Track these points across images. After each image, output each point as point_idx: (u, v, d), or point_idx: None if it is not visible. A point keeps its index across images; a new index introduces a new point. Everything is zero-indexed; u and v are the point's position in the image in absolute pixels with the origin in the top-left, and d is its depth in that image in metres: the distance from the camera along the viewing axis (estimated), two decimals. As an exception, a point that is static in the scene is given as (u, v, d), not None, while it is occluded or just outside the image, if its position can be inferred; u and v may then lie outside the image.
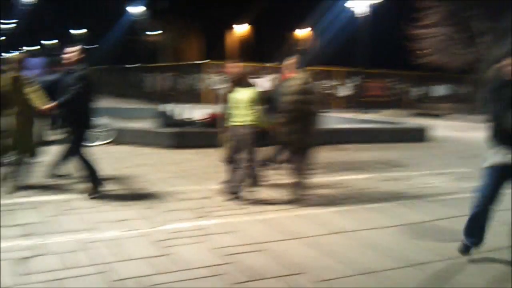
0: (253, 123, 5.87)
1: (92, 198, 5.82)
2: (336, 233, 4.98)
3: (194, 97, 22.57)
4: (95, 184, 5.95)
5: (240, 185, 6.02)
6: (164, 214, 5.36)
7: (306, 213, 5.60)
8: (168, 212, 5.44)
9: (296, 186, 6.06)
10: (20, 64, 6.32)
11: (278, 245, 4.56)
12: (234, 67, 6.60)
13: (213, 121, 9.60)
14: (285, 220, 5.31)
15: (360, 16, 24.55)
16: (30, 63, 6.60)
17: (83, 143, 5.92)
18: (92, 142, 7.52)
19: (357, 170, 8.41)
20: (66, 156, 6.41)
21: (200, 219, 5.23)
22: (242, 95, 5.94)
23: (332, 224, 5.25)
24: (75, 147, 5.89)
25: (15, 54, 6.57)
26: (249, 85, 6.08)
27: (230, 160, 6.26)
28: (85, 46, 6.08)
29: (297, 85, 5.95)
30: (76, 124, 5.85)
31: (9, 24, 41.33)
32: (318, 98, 6.29)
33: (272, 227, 5.06)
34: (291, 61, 7.65)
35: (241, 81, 6.08)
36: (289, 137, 5.96)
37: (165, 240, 4.56)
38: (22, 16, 38.72)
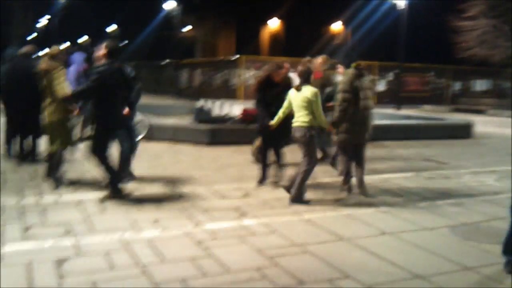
0: (311, 123, 5.59)
1: (102, 201, 5.53)
2: (385, 234, 4.74)
3: (228, 92, 22.49)
4: (112, 189, 5.63)
5: (298, 186, 5.70)
6: (206, 213, 5.22)
7: (352, 213, 5.37)
8: (206, 211, 5.30)
9: (344, 184, 5.91)
10: (53, 57, 6.29)
11: (325, 246, 4.35)
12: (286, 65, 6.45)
13: (247, 118, 9.43)
14: (331, 221, 5.09)
15: (400, 8, 23.87)
16: (71, 58, 6.59)
17: (105, 142, 5.62)
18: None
19: (402, 168, 8.10)
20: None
21: (243, 218, 5.07)
22: (300, 94, 5.62)
23: (380, 224, 5.01)
24: (94, 145, 5.61)
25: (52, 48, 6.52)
26: (307, 83, 5.72)
27: (262, 158, 6.17)
28: (113, 42, 5.85)
29: (348, 82, 5.76)
30: (97, 121, 5.60)
31: (42, 21, 42.11)
32: (371, 93, 6.05)
33: (317, 228, 4.85)
34: (320, 59, 7.42)
35: (305, 80, 5.73)
36: (344, 135, 5.77)
37: (205, 240, 4.41)
38: (55, 13, 39.37)
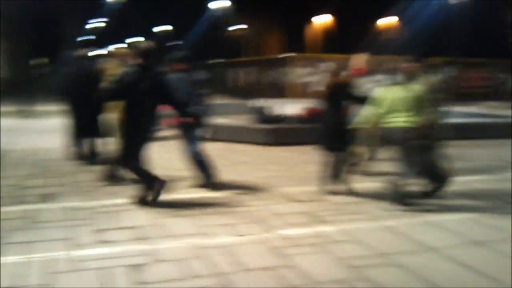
0: (417, 124, 5.24)
1: (135, 204, 5.34)
2: (476, 243, 4.34)
3: (279, 91, 22.21)
4: (146, 192, 5.37)
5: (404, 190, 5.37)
6: (275, 218, 4.97)
7: (435, 220, 4.97)
8: (279, 216, 5.04)
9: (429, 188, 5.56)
10: (116, 56, 6.24)
11: (411, 258, 4.00)
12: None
13: (311, 117, 9.11)
14: (413, 228, 4.72)
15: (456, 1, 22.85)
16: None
17: (132, 149, 5.31)
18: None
19: (480, 169, 7.57)
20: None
21: (317, 225, 4.78)
22: (405, 92, 5.28)
23: (468, 232, 4.61)
24: (121, 152, 5.38)
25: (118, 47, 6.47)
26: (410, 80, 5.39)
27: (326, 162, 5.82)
28: (142, 44, 5.47)
29: (430, 83, 5.42)
30: (126, 125, 5.33)
31: (98, 23, 43.17)
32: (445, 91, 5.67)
33: (399, 236, 4.50)
34: (361, 57, 6.90)
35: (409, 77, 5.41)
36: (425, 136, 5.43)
37: (282, 247, 4.16)
38: (110, 15, 40.27)
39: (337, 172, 5.88)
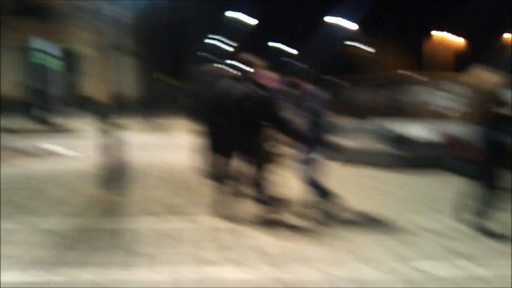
0: None
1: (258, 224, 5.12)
2: None
3: (397, 111, 21.22)
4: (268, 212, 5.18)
5: None
6: (410, 248, 4.47)
7: None
8: (414, 246, 4.53)
9: None
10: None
11: None
12: None
13: (454, 147, 8.17)
14: None
15: None
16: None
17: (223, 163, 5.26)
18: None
19: None
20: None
21: (462, 262, 4.16)
22: None
23: None
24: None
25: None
26: None
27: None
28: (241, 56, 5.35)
29: None
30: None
31: (229, 46, 44.41)
32: None
33: None
34: (482, 72, 5.73)
35: None
36: None
37: (424, 283, 3.68)
38: (241, 37, 41.27)
39: (486, 205, 5.11)
